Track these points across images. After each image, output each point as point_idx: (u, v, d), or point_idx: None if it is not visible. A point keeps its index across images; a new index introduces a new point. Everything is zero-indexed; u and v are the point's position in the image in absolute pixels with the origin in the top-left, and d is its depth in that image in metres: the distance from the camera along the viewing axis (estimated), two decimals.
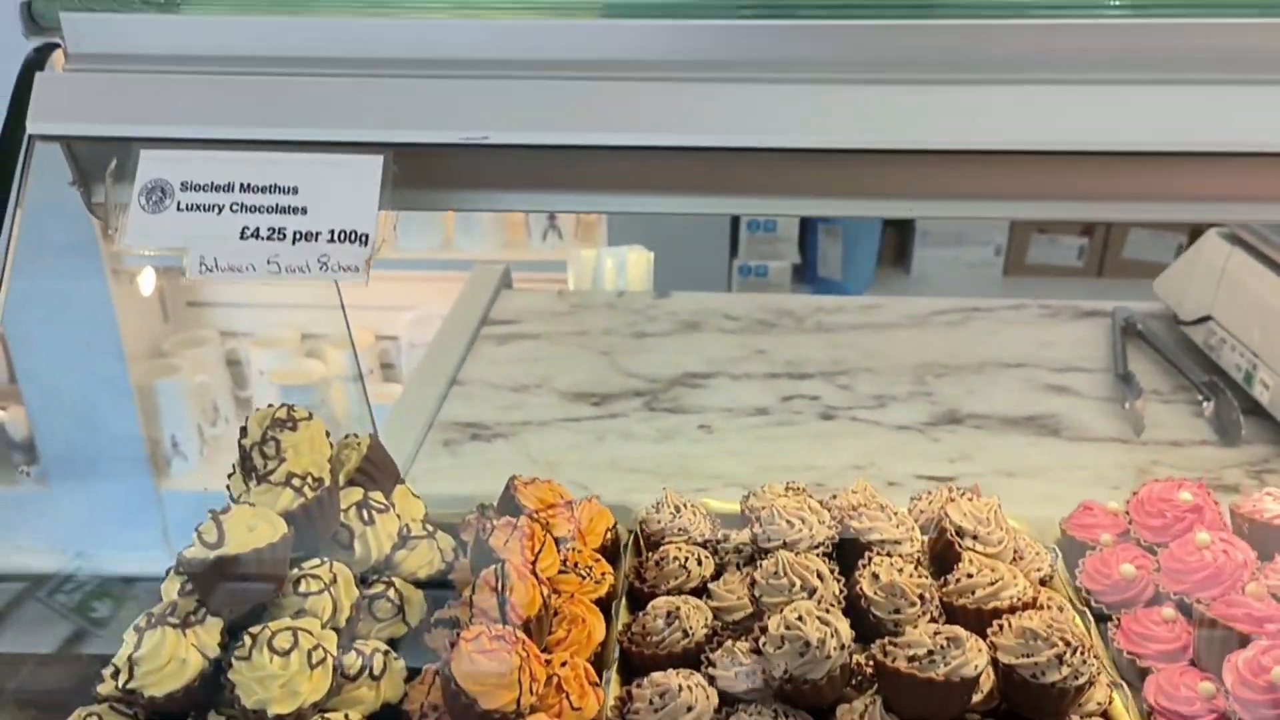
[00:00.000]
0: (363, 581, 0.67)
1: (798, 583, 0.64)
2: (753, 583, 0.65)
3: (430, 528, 0.74)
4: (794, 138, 0.54)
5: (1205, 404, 1.21)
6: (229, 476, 0.73)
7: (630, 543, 0.80)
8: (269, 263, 0.54)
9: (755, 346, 1.42)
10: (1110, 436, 1.19)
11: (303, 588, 0.61)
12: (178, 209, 0.54)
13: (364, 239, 0.54)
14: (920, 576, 0.65)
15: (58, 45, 0.58)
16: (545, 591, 0.64)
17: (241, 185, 0.55)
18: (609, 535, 0.77)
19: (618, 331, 1.48)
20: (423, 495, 1.08)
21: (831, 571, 0.65)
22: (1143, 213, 0.57)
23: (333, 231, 0.54)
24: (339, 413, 2.14)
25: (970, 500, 0.72)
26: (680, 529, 0.76)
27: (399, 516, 0.72)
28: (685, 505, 0.80)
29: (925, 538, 0.72)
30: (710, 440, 1.22)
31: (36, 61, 0.57)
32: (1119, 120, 0.53)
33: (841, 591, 0.64)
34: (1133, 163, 0.53)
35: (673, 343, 1.44)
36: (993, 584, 0.63)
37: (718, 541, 0.76)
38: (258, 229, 0.54)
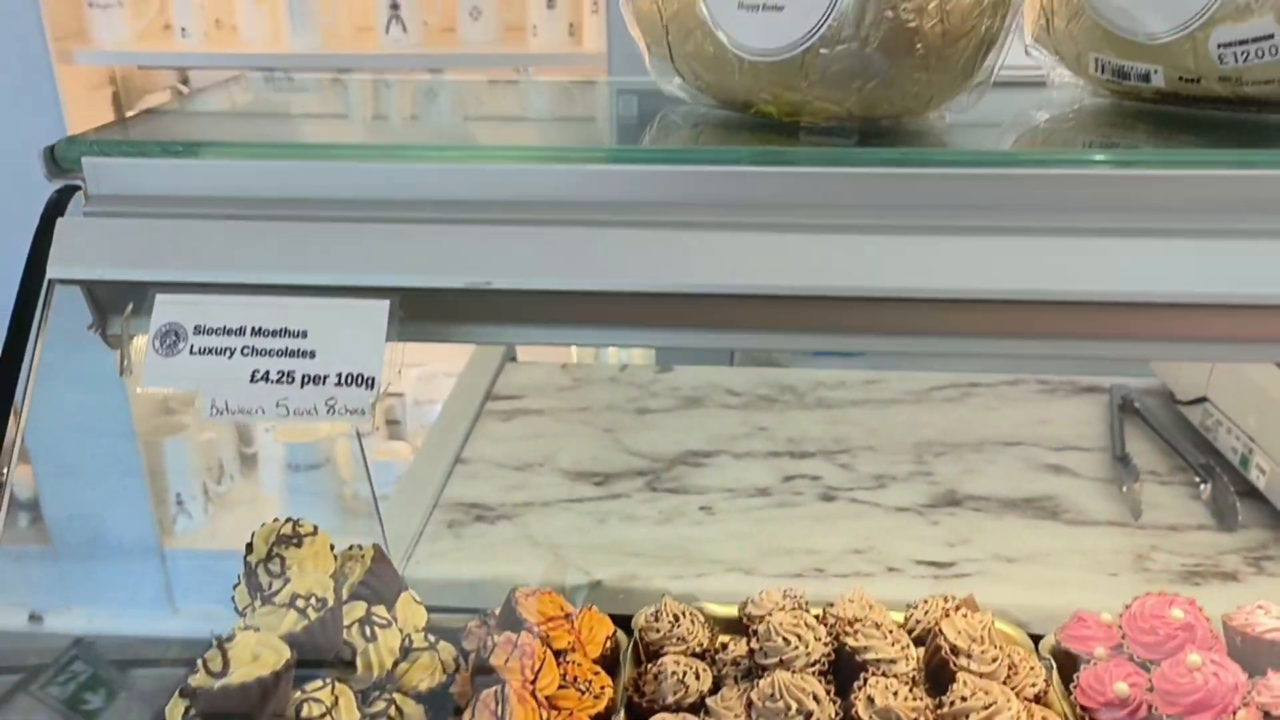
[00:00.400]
0: (363, 696, 0.68)
1: (794, 705, 0.64)
2: (749, 703, 0.66)
3: (432, 639, 0.75)
4: (777, 282, 0.56)
5: (1202, 486, 1.22)
6: (234, 588, 0.74)
7: (630, 649, 0.81)
8: (278, 405, 0.55)
9: (757, 423, 1.43)
10: (1108, 520, 1.20)
11: (305, 712, 0.62)
12: (190, 352, 0.56)
13: (370, 383, 0.56)
14: (915, 699, 0.65)
15: (78, 187, 0.61)
16: (544, 714, 0.65)
17: (253, 329, 0.57)
18: (608, 644, 0.78)
19: (620, 407, 1.49)
20: (425, 580, 1.09)
21: (828, 692, 0.66)
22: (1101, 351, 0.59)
23: (340, 375, 0.56)
24: (343, 472, 2.15)
25: (965, 616, 0.73)
26: (679, 638, 0.77)
27: (401, 630, 0.73)
28: (684, 614, 0.80)
29: (921, 650, 0.73)
30: (712, 522, 1.23)
31: (58, 205, 0.60)
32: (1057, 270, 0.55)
33: (838, 714, 0.65)
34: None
35: (675, 419, 1.45)
36: (986, 708, 0.64)
37: (715, 651, 0.77)
38: (267, 372, 0.56)
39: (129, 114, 0.69)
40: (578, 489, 1.30)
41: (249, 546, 0.70)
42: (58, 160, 0.61)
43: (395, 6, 2.33)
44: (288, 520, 0.71)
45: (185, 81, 2.58)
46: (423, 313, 0.59)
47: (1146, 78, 0.64)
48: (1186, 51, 0.61)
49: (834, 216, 0.58)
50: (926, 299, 0.56)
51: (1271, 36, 0.57)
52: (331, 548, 0.73)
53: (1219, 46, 0.59)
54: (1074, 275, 0.56)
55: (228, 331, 0.57)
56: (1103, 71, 0.67)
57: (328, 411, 0.55)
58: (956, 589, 1.04)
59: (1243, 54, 0.58)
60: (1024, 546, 1.17)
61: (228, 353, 0.56)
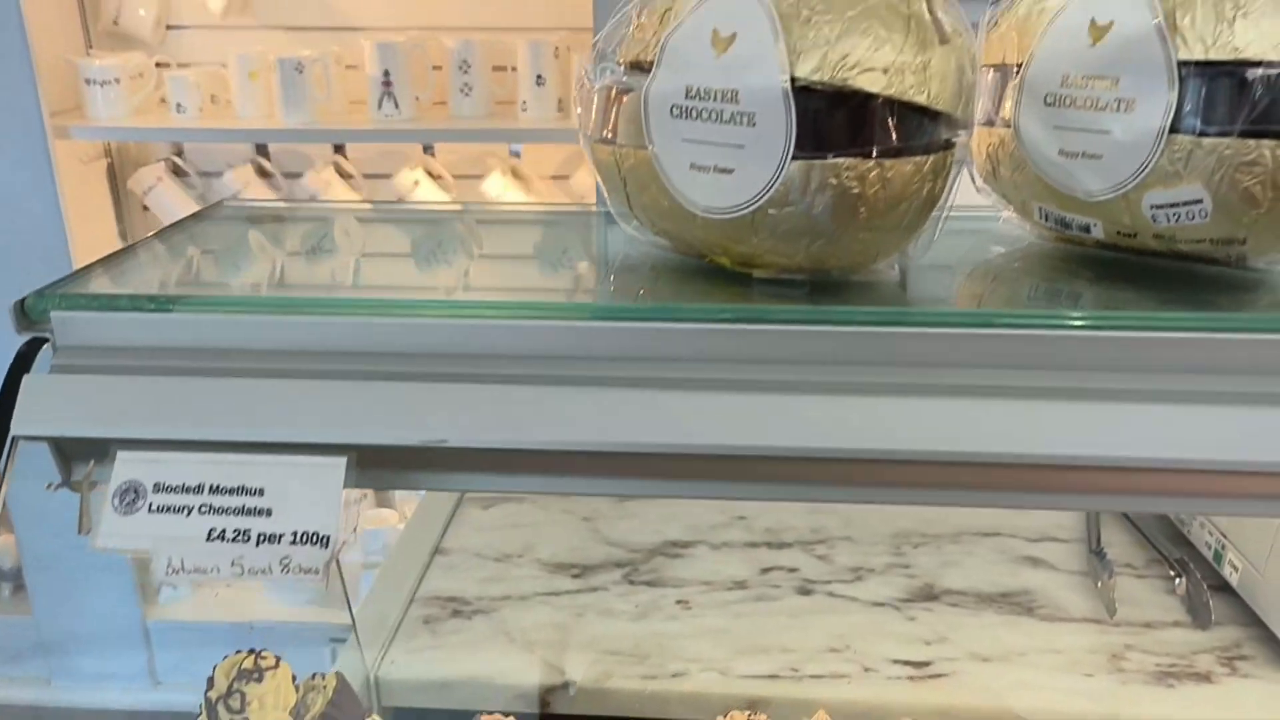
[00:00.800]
0: None
1: None
2: None
3: None
4: (734, 442, 0.58)
5: (1177, 581, 1.22)
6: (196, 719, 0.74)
7: None
8: (233, 565, 0.56)
9: (736, 512, 1.44)
10: (1084, 616, 1.20)
11: None
12: (149, 510, 0.57)
13: (325, 541, 0.57)
14: None
15: (46, 340, 0.62)
16: None
17: (211, 487, 0.58)
18: None
19: (601, 495, 1.50)
20: (400, 681, 1.09)
21: None
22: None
23: (295, 533, 0.57)
24: None
25: None
26: None
27: None
28: None
29: None
30: (688, 617, 1.23)
31: (25, 359, 0.61)
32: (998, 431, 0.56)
33: None
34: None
35: (655, 508, 1.46)
36: None
37: None
38: (224, 531, 0.57)
39: (92, 263, 0.71)
40: (556, 581, 1.30)
41: (210, 681, 0.70)
42: (27, 313, 0.62)
43: (387, 83, 2.37)
44: (250, 653, 0.72)
45: (180, 154, 2.63)
46: (382, 461, 0.61)
47: (1087, 229, 0.66)
48: (1122, 210, 0.63)
49: (791, 373, 0.59)
50: (876, 459, 0.57)
51: (1200, 201, 0.59)
52: (294, 678, 0.73)
53: (1152, 207, 0.61)
54: (1030, 435, 0.57)
55: (186, 489, 0.58)
56: (1046, 220, 0.69)
57: (282, 570, 0.56)
58: (933, 690, 1.04)
59: (1174, 215, 0.61)
60: (1000, 645, 1.17)
61: (185, 511, 0.57)
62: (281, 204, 0.90)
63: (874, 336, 0.58)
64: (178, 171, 2.60)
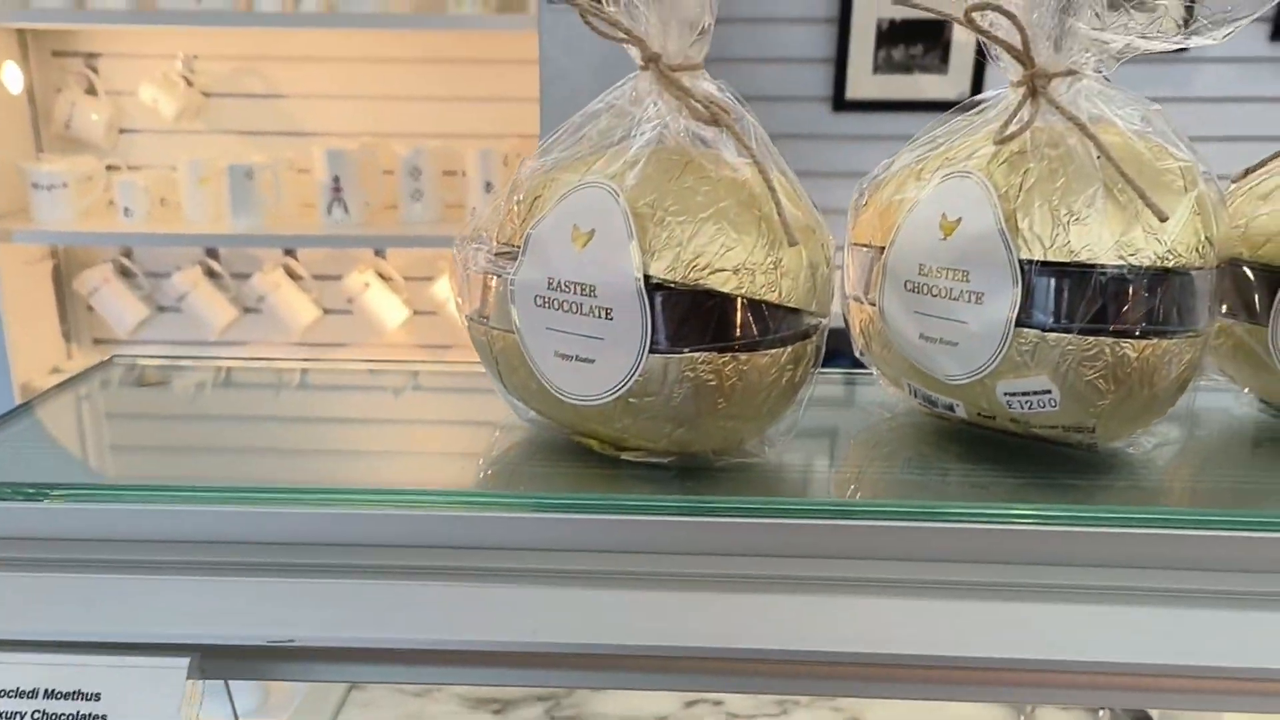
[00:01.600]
0: None
1: None
2: None
3: None
4: (586, 640, 0.57)
5: None
6: None
7: None
8: None
9: None
10: None
11: None
12: None
13: None
14: None
15: None
16: None
17: (46, 691, 0.56)
18: None
19: None
20: None
21: None
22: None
23: None
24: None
25: None
26: None
27: None
28: None
29: None
30: None
31: None
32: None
33: None
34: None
35: None
36: None
37: None
38: None
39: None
40: (476, 717, 1.26)
41: None
42: None
43: (337, 189, 2.40)
44: None
45: (129, 255, 2.62)
46: (231, 654, 0.59)
47: (951, 409, 0.68)
48: (980, 394, 0.64)
49: (642, 564, 0.59)
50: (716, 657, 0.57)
51: (1050, 391, 0.61)
52: None
53: (1005, 395, 0.62)
54: (881, 631, 0.57)
55: (21, 694, 0.56)
56: (915, 395, 0.70)
57: None
58: None
59: (1026, 403, 0.62)
60: None
61: (18, 718, 0.55)
62: (182, 360, 0.89)
63: (715, 526, 0.58)
64: (125, 273, 2.59)
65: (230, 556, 0.58)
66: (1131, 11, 0.62)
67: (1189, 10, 0.62)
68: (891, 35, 2.45)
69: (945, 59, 2.56)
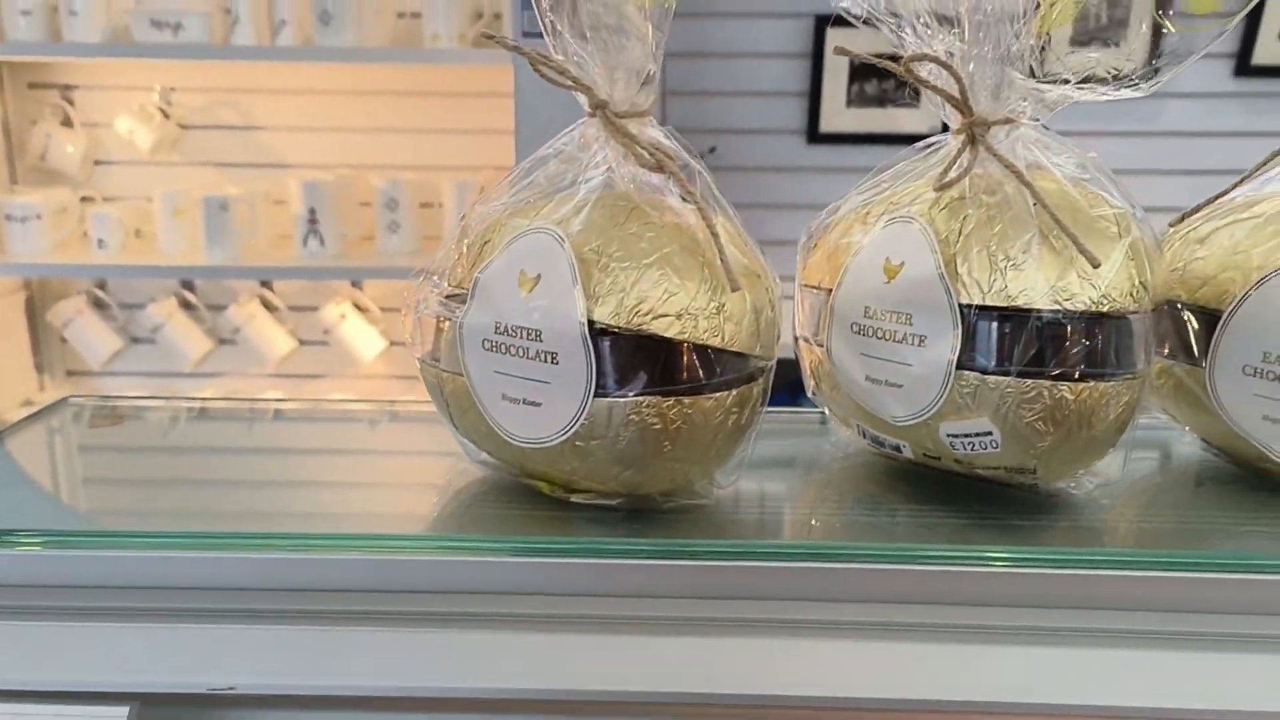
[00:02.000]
0: None
1: None
2: None
3: None
4: (537, 686, 0.57)
5: None
6: None
7: None
8: None
9: None
10: None
11: None
12: None
13: None
14: None
15: None
16: None
17: None
18: None
19: None
20: None
21: None
22: None
23: None
24: None
25: None
26: None
27: None
28: None
29: None
30: None
31: None
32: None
33: None
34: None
35: None
36: None
37: None
38: None
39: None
40: None
41: None
42: None
43: (313, 221, 2.41)
44: None
45: (103, 287, 2.61)
46: (173, 702, 0.58)
47: (898, 449, 0.68)
48: (925, 435, 0.65)
49: (591, 607, 0.59)
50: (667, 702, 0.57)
51: (991, 433, 0.61)
52: None
53: (948, 436, 0.63)
54: (835, 675, 0.57)
55: None
56: (864, 436, 0.71)
57: None
58: None
59: (968, 444, 0.62)
60: None
61: None
62: (141, 400, 0.89)
63: (661, 570, 0.59)
64: (99, 304, 2.58)
65: (168, 602, 0.58)
66: (1066, 60, 0.63)
67: (1154, 48, 0.64)
68: (865, 70, 2.49)
69: (917, 93, 2.60)
